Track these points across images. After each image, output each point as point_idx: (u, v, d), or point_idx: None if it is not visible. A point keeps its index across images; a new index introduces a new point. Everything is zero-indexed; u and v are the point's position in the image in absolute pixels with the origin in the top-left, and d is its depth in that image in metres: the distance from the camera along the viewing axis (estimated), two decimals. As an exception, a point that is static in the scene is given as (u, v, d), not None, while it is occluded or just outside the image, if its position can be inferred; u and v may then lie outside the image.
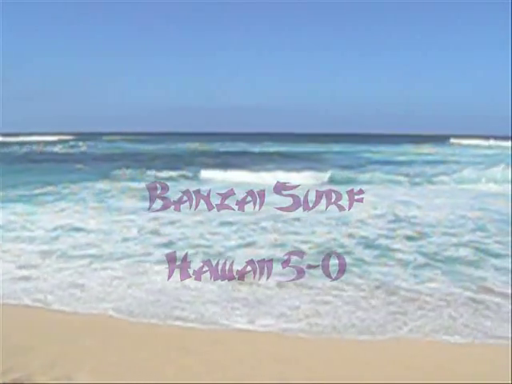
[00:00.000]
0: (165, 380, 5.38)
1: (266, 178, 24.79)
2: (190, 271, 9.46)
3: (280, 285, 8.79)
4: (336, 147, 69.09)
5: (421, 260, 10.37)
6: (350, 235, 12.40)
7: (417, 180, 25.20)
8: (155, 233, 12.68)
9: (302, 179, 24.40)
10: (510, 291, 8.49)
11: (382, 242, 11.84)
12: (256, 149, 63.33)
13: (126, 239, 12.03)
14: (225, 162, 37.43)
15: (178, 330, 6.89)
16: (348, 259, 10.34)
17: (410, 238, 12.18)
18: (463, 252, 10.98)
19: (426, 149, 63.55)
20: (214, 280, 9.01)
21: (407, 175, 26.85)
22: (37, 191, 19.98)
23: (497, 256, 10.68)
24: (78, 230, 13.04)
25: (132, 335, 6.73)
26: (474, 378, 5.58)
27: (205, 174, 27.08)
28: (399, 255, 10.71)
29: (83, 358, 5.84)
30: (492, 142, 78.19)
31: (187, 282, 8.92)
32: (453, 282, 9.03)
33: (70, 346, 6.23)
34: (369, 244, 11.61)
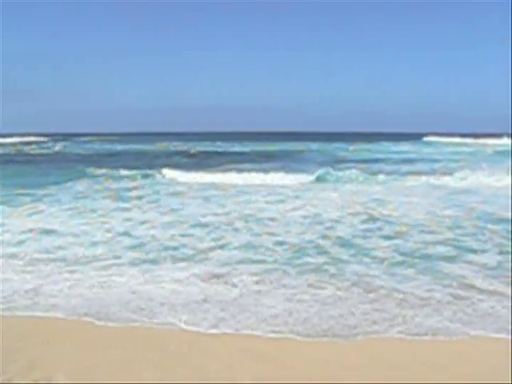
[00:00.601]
0: (144, 381, 5.35)
1: (232, 179, 24.35)
2: (163, 273, 9.27)
3: (255, 285, 8.63)
4: (313, 145, 68.93)
5: (398, 258, 10.21)
6: (326, 235, 12.17)
7: (393, 178, 25.04)
8: (126, 235, 12.37)
9: (273, 179, 23.95)
10: (491, 287, 8.41)
11: (359, 241, 11.65)
12: (235, 148, 62.96)
13: (96, 241, 11.70)
14: (200, 162, 37.04)
15: (154, 332, 6.77)
16: (324, 258, 10.18)
17: (386, 237, 12.03)
18: (441, 249, 10.84)
19: (401, 147, 63.78)
20: (188, 281, 8.79)
21: (383, 173, 26.69)
22: (14, 192, 19.50)
23: (475, 252, 10.57)
24: (49, 232, 12.67)
25: (107, 337, 6.61)
26: (462, 376, 5.48)
27: (168, 173, 26.56)
28: (376, 253, 10.55)
29: (61, 360, 5.80)
30: (469, 140, 78.56)
31: (158, 283, 8.72)
32: (432, 279, 8.90)
33: (48, 349, 6.15)
34: (345, 243, 11.40)
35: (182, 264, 9.87)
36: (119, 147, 67.67)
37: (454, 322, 7.02)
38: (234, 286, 8.59)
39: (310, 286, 8.57)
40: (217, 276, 9.09)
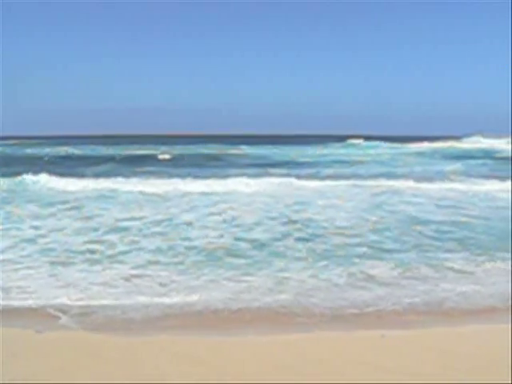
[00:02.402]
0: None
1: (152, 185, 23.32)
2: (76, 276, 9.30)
3: (167, 285, 8.82)
4: (246, 148, 68.03)
5: (314, 257, 10.58)
6: (243, 238, 12.31)
7: (317, 180, 25.05)
8: (33, 241, 12.02)
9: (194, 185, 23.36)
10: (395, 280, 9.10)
11: (276, 243, 11.84)
12: (162, 151, 61.31)
13: (4, 247, 11.40)
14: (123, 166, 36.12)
15: (84, 338, 6.70)
16: (240, 260, 10.43)
17: (303, 239, 12.27)
18: (358, 250, 11.19)
19: (327, 149, 64.39)
20: (105, 284, 8.87)
21: (307, 176, 26.83)
22: None
23: (390, 251, 11.08)
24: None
25: (37, 345, 6.44)
26: (386, 367, 5.62)
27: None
28: (293, 254, 10.89)
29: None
30: (393, 144, 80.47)
31: (74, 287, 8.71)
32: (342, 272, 9.47)
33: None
34: (261, 245, 11.60)
35: (96, 267, 9.89)
36: (45, 151, 65.00)
37: (354, 313, 7.60)
38: (147, 287, 8.71)
39: (228, 278, 9.10)
40: (131, 278, 9.19)
